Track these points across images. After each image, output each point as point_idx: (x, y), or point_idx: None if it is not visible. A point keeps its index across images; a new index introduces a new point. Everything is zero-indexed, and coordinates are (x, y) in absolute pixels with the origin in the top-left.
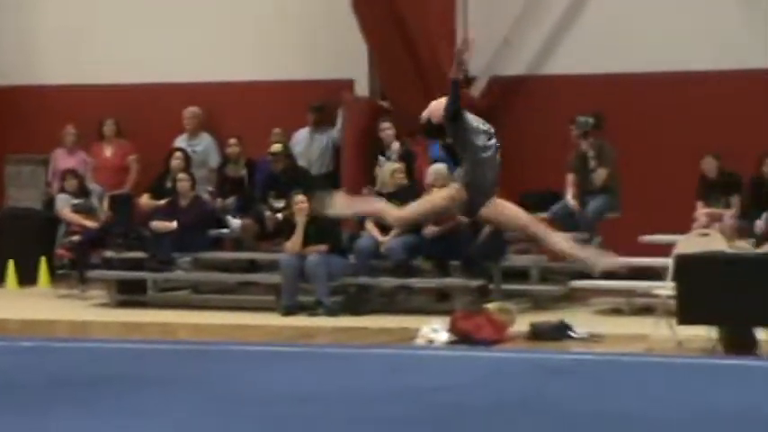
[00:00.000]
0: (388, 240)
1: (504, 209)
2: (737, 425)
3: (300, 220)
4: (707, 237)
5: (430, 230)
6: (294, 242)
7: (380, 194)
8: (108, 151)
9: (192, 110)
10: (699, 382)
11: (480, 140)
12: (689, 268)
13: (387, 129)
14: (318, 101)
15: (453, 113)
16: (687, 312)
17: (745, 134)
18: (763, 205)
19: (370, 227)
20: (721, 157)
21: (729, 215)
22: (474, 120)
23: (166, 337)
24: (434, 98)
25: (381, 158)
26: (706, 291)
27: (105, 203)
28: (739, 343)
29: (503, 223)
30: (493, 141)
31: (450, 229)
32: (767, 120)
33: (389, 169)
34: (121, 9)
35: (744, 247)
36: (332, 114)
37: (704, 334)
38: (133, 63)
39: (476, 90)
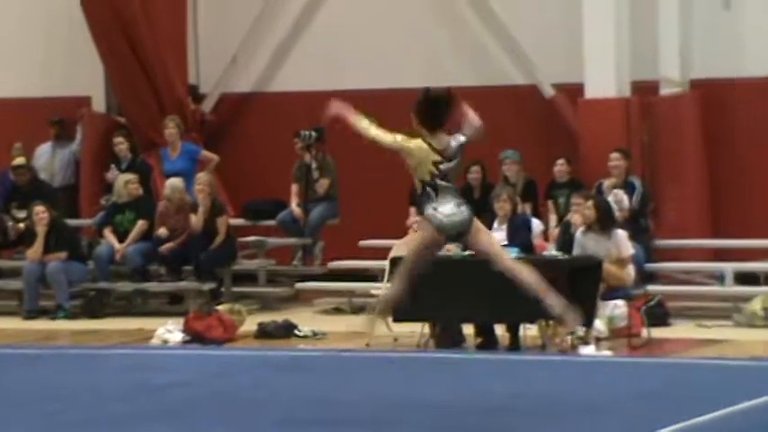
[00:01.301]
0: (123, 248)
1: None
2: (445, 412)
3: (41, 230)
4: None
5: (166, 247)
6: (35, 250)
7: (117, 205)
8: None
9: None
10: (412, 374)
11: None
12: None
13: (120, 143)
14: (57, 116)
15: None
16: (402, 311)
17: None
18: None
19: (108, 235)
20: None
21: None
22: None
23: None
24: (167, 113)
25: (112, 166)
26: (419, 290)
27: None
28: (448, 338)
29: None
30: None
31: (184, 239)
32: None
33: (123, 180)
34: None
35: (454, 250)
36: (72, 129)
37: (418, 330)
38: None
39: (206, 106)
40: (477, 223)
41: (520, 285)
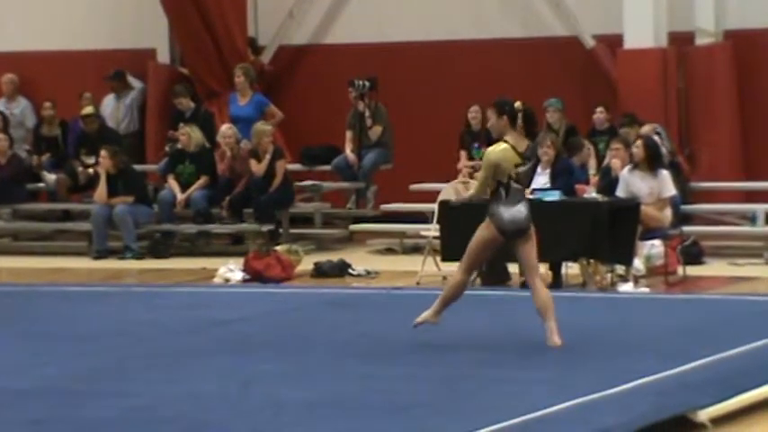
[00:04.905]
0: (184, 198)
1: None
2: (488, 346)
3: (102, 173)
4: (467, 184)
5: (232, 195)
6: (99, 192)
7: (179, 153)
8: None
9: (9, 76)
10: (459, 310)
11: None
12: (450, 212)
13: (179, 103)
14: (113, 70)
15: None
16: (450, 251)
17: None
18: None
19: (171, 182)
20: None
21: None
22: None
23: None
24: (227, 64)
25: (180, 125)
26: (465, 231)
27: None
28: (494, 276)
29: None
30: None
31: (245, 183)
32: (518, 84)
33: (182, 130)
34: None
35: None
36: (130, 79)
37: None
38: None
39: (265, 58)
40: (531, 231)
41: (534, 301)
